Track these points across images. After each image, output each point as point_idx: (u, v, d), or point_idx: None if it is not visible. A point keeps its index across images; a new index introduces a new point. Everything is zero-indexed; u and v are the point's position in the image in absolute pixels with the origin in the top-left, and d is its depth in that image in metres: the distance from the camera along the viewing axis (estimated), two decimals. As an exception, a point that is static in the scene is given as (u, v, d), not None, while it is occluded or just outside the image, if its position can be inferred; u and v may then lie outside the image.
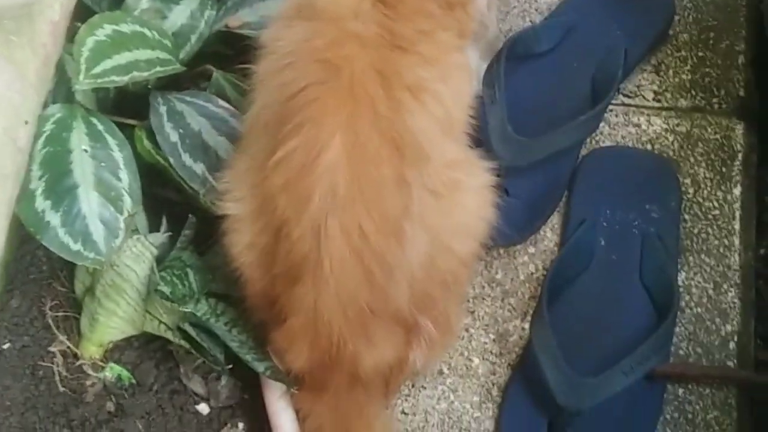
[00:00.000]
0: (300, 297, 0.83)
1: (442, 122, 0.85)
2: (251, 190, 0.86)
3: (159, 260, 0.96)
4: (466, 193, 0.89)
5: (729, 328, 1.00)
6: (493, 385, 0.99)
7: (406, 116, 0.82)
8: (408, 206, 0.83)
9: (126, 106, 1.05)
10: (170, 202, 1.04)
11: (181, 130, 0.99)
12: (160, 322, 0.96)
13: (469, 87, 0.90)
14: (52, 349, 0.97)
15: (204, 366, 1.00)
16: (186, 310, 0.92)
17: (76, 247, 0.87)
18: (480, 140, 0.96)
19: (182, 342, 0.94)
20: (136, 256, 0.94)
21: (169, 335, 0.95)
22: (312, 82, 0.80)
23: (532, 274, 1.04)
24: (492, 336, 1.01)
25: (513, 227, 1.02)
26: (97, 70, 0.93)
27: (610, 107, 1.10)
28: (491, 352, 1.00)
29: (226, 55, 1.13)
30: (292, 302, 0.84)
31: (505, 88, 1.06)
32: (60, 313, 0.99)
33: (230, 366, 0.96)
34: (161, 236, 0.96)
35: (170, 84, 1.06)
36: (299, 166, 0.80)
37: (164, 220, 0.98)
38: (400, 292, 0.85)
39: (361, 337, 0.84)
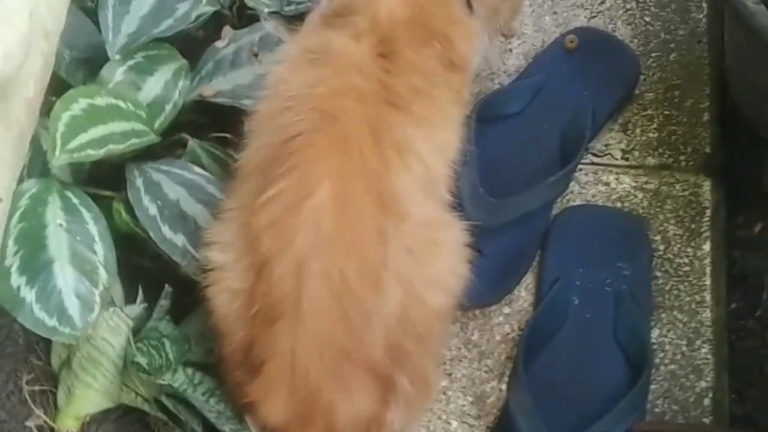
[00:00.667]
0: (277, 338, 0.84)
1: (424, 182, 0.88)
2: (238, 232, 0.88)
3: (135, 331, 0.96)
4: (440, 249, 0.91)
5: (704, 384, 1.01)
6: (472, 448, 1.00)
7: (391, 175, 0.85)
8: (385, 258, 0.85)
9: (101, 177, 1.06)
10: (146, 270, 1.04)
11: (159, 202, 0.99)
12: (137, 394, 0.96)
13: (455, 143, 0.92)
14: (29, 423, 0.97)
15: (183, 439, 1.00)
16: (162, 382, 0.92)
17: (52, 322, 0.87)
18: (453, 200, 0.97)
19: (159, 414, 0.94)
20: (113, 328, 0.94)
21: (146, 407, 0.95)
22: (309, 128, 0.84)
23: (507, 334, 1.05)
24: (470, 398, 1.02)
25: (487, 287, 1.03)
26: (73, 144, 0.94)
27: (580, 166, 1.12)
28: (469, 415, 1.01)
29: (200, 124, 1.15)
30: (269, 344, 0.85)
31: (476, 149, 1.07)
32: (37, 387, 0.99)
33: (209, 437, 0.96)
34: (137, 308, 0.96)
35: (145, 154, 1.07)
36: (287, 206, 0.83)
37: (140, 291, 0.99)
38: (376, 341, 0.86)
39: (337, 384, 0.85)
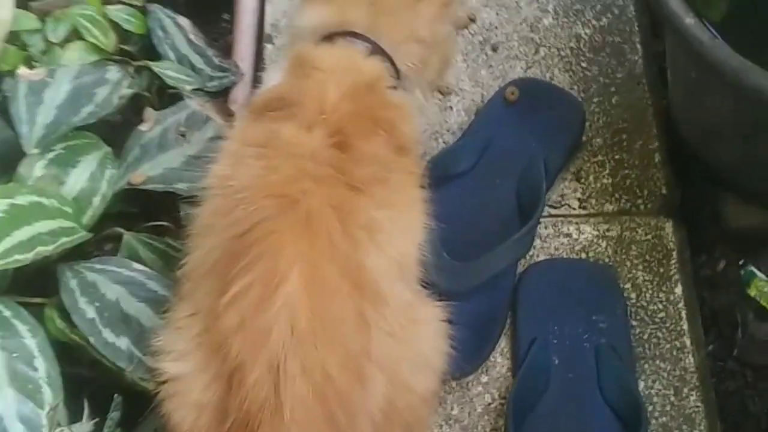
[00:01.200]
0: None
1: (397, 264, 0.81)
2: (196, 340, 0.79)
3: (83, 452, 0.86)
4: (421, 329, 0.84)
5: (698, 433, 0.96)
6: None
7: (362, 255, 0.78)
8: (367, 346, 0.77)
9: (26, 284, 0.96)
10: (85, 380, 0.94)
11: (97, 304, 0.90)
12: None
13: (422, 223, 0.86)
14: None
15: None
16: None
17: (-5, 455, 0.77)
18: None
19: None
20: (62, 452, 0.84)
21: None
22: (268, 215, 0.76)
23: (489, 404, 0.98)
24: (458, 479, 0.95)
25: (462, 358, 0.96)
26: (-2, 251, 0.84)
27: (539, 220, 1.07)
28: (460, 498, 0.94)
29: (131, 214, 1.06)
30: None
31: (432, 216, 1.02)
32: None
33: None
34: (87, 426, 0.86)
35: (74, 252, 0.98)
36: (256, 302, 0.74)
37: (86, 405, 0.89)
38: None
39: None
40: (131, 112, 1.15)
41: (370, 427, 0.78)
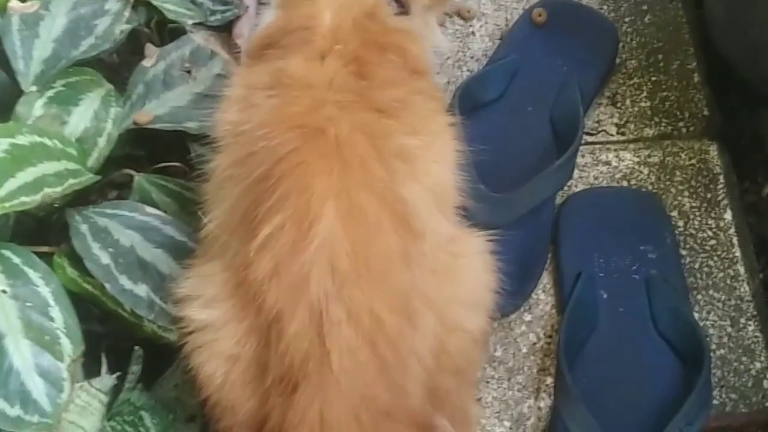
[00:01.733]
0: (302, 407, 0.67)
1: (434, 195, 0.74)
2: (227, 290, 0.71)
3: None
4: (466, 266, 0.77)
5: (758, 365, 0.90)
6: (522, 479, 0.86)
7: (400, 185, 0.70)
8: (413, 283, 0.70)
9: (28, 233, 0.89)
10: (96, 335, 0.87)
11: (111, 250, 0.82)
12: (123, 484, 0.78)
13: (453, 148, 0.79)
14: None
15: None
16: (158, 463, 0.75)
17: (15, 411, 0.69)
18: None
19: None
20: (82, 408, 0.77)
21: (136, 498, 0.78)
22: (292, 149, 0.68)
23: (534, 344, 0.92)
24: (507, 423, 0.88)
25: (504, 294, 0.90)
26: (2, 192, 0.76)
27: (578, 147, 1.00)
28: (511, 442, 0.88)
29: (138, 157, 0.99)
30: (291, 416, 0.68)
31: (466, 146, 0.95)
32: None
33: None
34: (109, 379, 0.79)
35: (78, 200, 0.90)
36: (289, 244, 0.66)
37: (104, 360, 0.82)
38: (415, 389, 0.71)
39: None
40: (128, 51, 1.07)
41: (421, 372, 0.72)
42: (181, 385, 0.87)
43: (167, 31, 1.08)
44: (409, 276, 0.70)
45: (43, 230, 0.91)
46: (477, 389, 0.89)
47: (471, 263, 0.78)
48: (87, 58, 0.93)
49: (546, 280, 0.95)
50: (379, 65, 0.76)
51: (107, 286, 0.81)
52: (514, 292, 0.92)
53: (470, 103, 1.00)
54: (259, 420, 0.72)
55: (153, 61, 1.00)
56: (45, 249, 0.85)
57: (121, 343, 0.86)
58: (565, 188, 0.99)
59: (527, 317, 0.93)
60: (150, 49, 1.04)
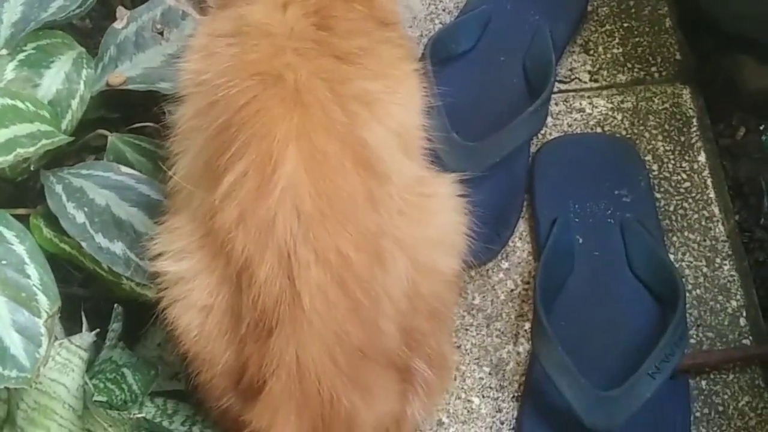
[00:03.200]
0: (277, 350, 0.68)
1: (398, 138, 0.74)
2: (195, 241, 0.72)
3: (87, 366, 0.80)
4: (435, 207, 0.78)
5: (734, 303, 0.91)
6: (502, 424, 0.87)
7: (361, 128, 0.70)
8: (381, 224, 0.71)
9: (4, 197, 0.90)
10: (76, 298, 0.88)
11: (86, 209, 0.83)
12: (106, 438, 0.79)
13: (419, 94, 0.79)
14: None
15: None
16: (139, 415, 0.76)
17: (-8, 368, 0.70)
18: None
19: (139, 457, 0.78)
20: (62, 365, 0.77)
21: (121, 453, 0.79)
22: (252, 95, 0.68)
23: (512, 291, 0.93)
24: (486, 369, 0.89)
25: (480, 242, 0.91)
26: (-25, 153, 0.77)
27: (551, 94, 1.01)
28: (490, 387, 0.88)
29: (112, 120, 0.99)
30: (267, 361, 0.69)
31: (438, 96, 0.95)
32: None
33: (202, 471, 0.80)
34: (88, 336, 0.79)
35: (54, 163, 0.91)
36: (253, 190, 0.67)
37: (84, 318, 0.82)
38: (390, 328, 0.72)
39: (355, 386, 0.70)
40: (101, 17, 1.07)
41: (395, 313, 0.73)
42: (163, 343, 0.88)
43: (138, -6, 1.08)
44: (376, 217, 0.70)
45: (21, 194, 0.92)
46: (454, 335, 0.90)
47: (441, 205, 0.78)
48: (58, 20, 0.93)
49: (522, 227, 0.95)
50: (342, 16, 0.76)
51: (83, 244, 0.81)
52: (490, 240, 0.93)
53: (443, 54, 1.00)
54: (237, 370, 0.73)
55: (124, 23, 1.00)
56: (22, 211, 0.86)
57: (103, 305, 0.87)
58: (540, 136, 0.99)
59: (504, 264, 0.94)
60: (121, 11, 1.03)
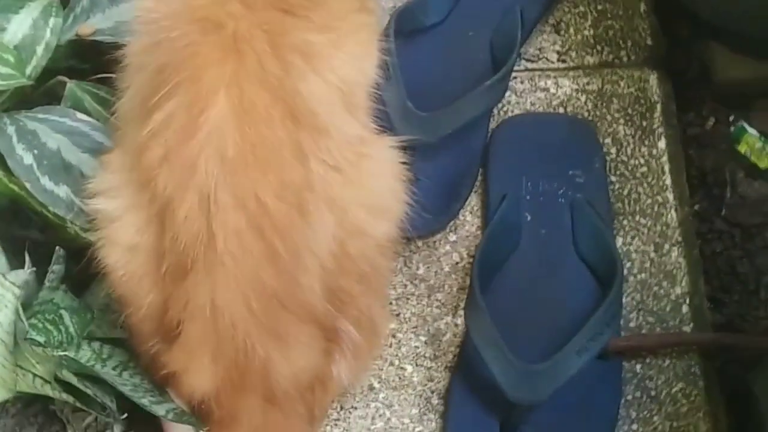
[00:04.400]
0: (193, 290, 0.69)
1: (340, 92, 0.74)
2: (125, 178, 0.74)
3: (26, 306, 0.81)
4: (373, 169, 0.78)
5: (679, 290, 0.91)
6: (432, 392, 0.87)
7: (297, 80, 0.71)
8: (308, 178, 0.71)
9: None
10: (34, 243, 0.89)
11: (35, 151, 0.84)
12: (35, 375, 0.81)
13: (370, 53, 0.80)
14: None
15: (96, 425, 0.87)
16: (61, 353, 0.77)
17: None
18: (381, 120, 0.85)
19: (64, 396, 0.79)
20: (-4, 301, 0.79)
21: (47, 390, 0.80)
22: (191, 41, 0.69)
23: (457, 263, 0.93)
24: (423, 338, 0.90)
25: (429, 213, 0.91)
26: (-77, 88, 0.79)
27: (515, 74, 1.00)
28: (425, 357, 0.89)
29: (81, 70, 1.00)
30: (184, 301, 0.70)
31: (398, 65, 0.96)
32: None
33: (125, 415, 0.81)
34: (24, 273, 0.81)
35: (18, 106, 0.92)
36: (179, 130, 0.68)
37: (27, 258, 0.84)
38: (312, 283, 0.73)
39: (271, 335, 0.71)
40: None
41: (319, 269, 0.73)
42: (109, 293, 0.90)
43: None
44: (302, 170, 0.71)
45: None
46: (394, 303, 0.91)
47: (379, 168, 0.78)
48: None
49: (474, 202, 0.95)
50: None
51: (28, 185, 0.83)
52: (440, 211, 0.94)
53: (411, 25, 1.00)
54: (158, 311, 0.74)
55: (98, -24, 1.02)
56: (-25, 150, 0.88)
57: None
58: (502, 113, 0.99)
59: (452, 237, 0.94)
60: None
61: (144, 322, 0.76)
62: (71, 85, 0.92)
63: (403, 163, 0.80)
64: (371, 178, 0.78)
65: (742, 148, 1.00)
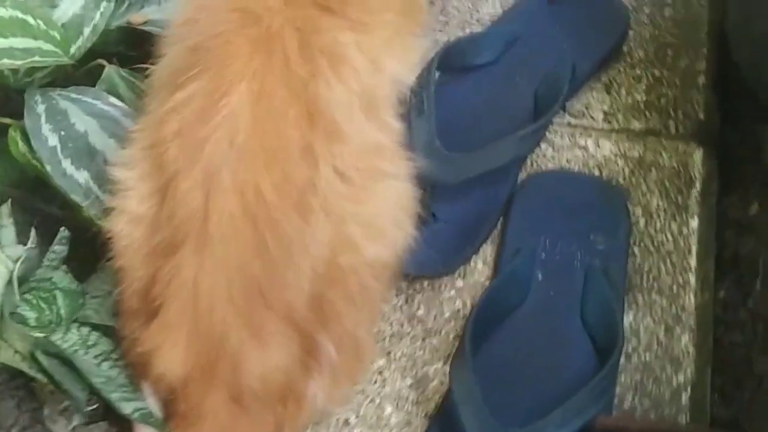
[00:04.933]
0: (179, 267, 0.70)
1: (362, 100, 0.75)
2: (141, 150, 0.76)
3: (22, 281, 0.82)
4: (384, 185, 0.78)
5: (682, 378, 0.86)
6: (408, 437, 0.85)
7: (320, 84, 0.72)
8: (314, 181, 0.72)
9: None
10: (54, 219, 0.90)
11: (62, 132, 0.85)
12: (15, 351, 0.81)
13: (400, 61, 0.80)
14: None
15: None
16: (38, 335, 0.78)
17: None
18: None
19: (38, 375, 0.80)
20: (-12, 271, 0.80)
21: (24, 366, 0.81)
22: (227, 29, 0.72)
23: (458, 311, 0.90)
24: (409, 380, 0.87)
25: (440, 255, 0.90)
26: (-44, 50, 0.80)
27: (555, 128, 0.98)
28: (407, 400, 0.86)
29: (128, 57, 1.01)
30: (170, 278, 0.71)
31: (436, 100, 0.94)
32: None
33: (95, 406, 0.81)
34: (22, 249, 0.82)
35: (57, 84, 0.93)
36: (197, 111, 0.71)
37: (33, 233, 0.85)
38: (298, 284, 0.72)
39: (247, 327, 0.71)
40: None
41: (307, 272, 0.73)
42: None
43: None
44: (307, 171, 0.72)
45: (19, 105, 0.95)
46: (387, 340, 0.89)
47: (389, 193, 0.78)
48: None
49: (489, 251, 0.93)
50: None
51: (48, 168, 0.83)
52: (450, 254, 0.91)
53: (459, 62, 0.99)
54: (144, 287, 0.75)
55: (160, -35, 1.03)
56: (7, 120, 0.89)
57: (73, 231, 0.89)
58: (534, 166, 0.96)
59: (459, 283, 0.91)
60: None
61: (132, 298, 0.76)
62: (109, 69, 0.93)
63: (417, 197, 0.79)
64: (378, 199, 0.77)
65: (781, 241, 0.95)
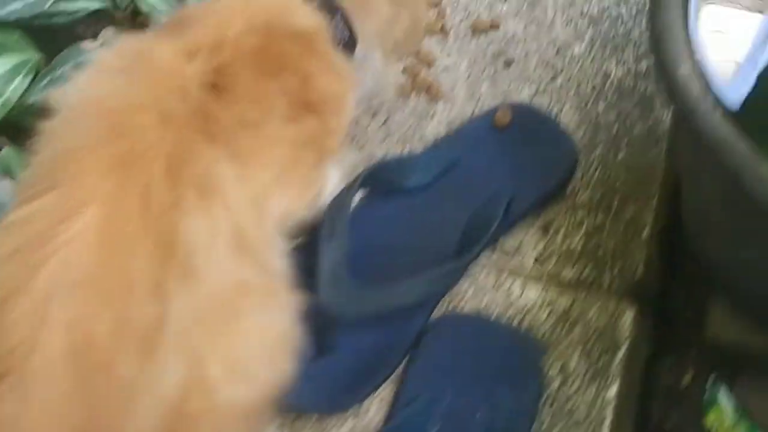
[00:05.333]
0: (1, 399, 0.62)
1: (230, 236, 0.68)
2: None
3: None
4: (248, 324, 0.71)
5: None
6: None
7: (182, 215, 0.65)
8: (162, 318, 0.65)
9: None
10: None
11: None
12: None
13: (286, 197, 0.75)
14: None
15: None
16: None
17: None
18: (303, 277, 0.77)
19: None
20: None
21: None
22: (89, 143, 0.66)
23: (343, 454, 0.83)
24: None
25: (333, 391, 0.83)
26: None
27: (483, 264, 0.91)
28: None
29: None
30: None
31: (356, 222, 0.88)
32: None
33: None
34: None
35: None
36: (37, 232, 0.63)
37: None
38: (143, 429, 0.65)
39: None
40: (99, 29, 1.05)
41: (154, 415, 0.65)
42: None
43: (137, 23, 1.06)
44: (154, 309, 0.64)
45: None
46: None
47: (258, 327, 0.71)
48: (15, 22, 0.92)
49: (387, 393, 0.85)
50: (251, 79, 0.72)
51: None
52: (346, 391, 0.85)
53: (387, 184, 0.93)
54: None
55: (97, 44, 0.99)
56: None
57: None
58: (451, 305, 0.89)
59: (349, 423, 0.84)
60: (106, 32, 1.02)
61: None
62: (8, 150, 0.88)
63: (298, 332, 0.72)
64: (238, 338, 0.70)
65: (710, 420, 0.87)
